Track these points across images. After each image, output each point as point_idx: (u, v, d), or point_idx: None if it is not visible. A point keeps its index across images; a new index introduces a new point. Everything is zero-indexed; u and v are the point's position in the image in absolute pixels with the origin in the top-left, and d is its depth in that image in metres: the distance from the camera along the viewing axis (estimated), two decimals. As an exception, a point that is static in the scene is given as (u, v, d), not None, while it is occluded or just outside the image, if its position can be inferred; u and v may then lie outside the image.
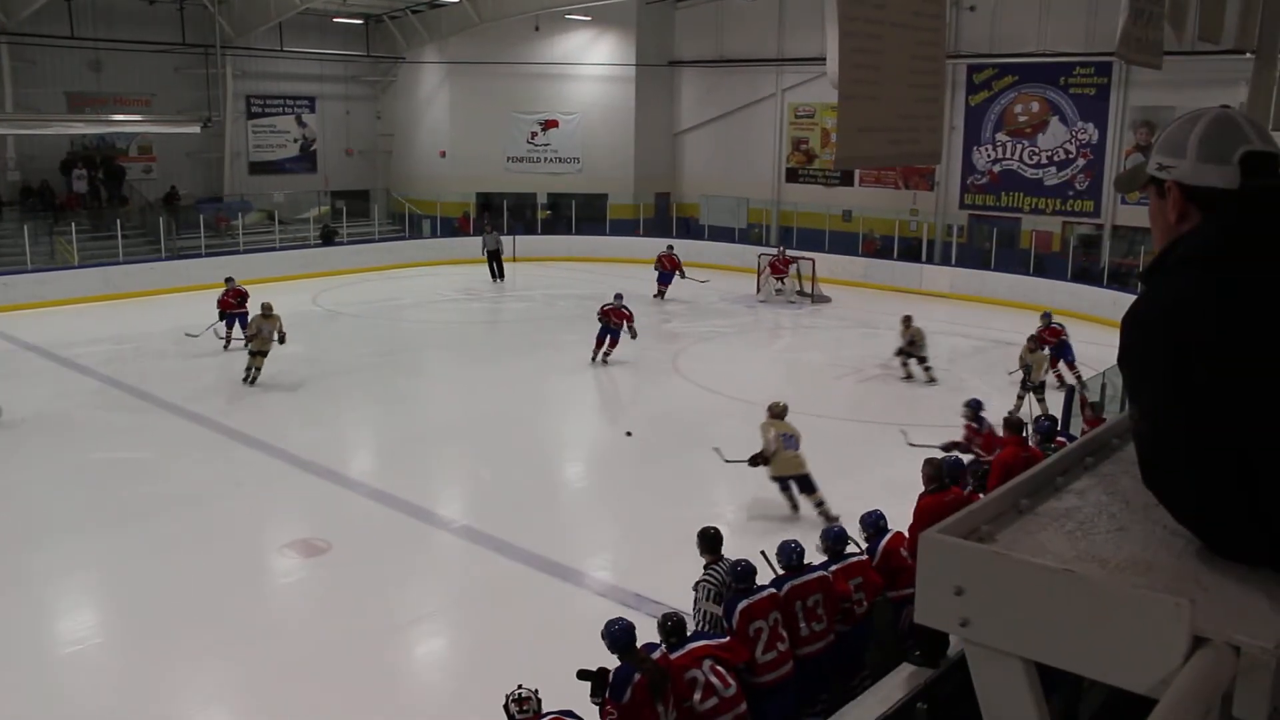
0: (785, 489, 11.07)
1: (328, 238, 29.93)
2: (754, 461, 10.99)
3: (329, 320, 23.09)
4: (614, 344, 17.92)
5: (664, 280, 24.56)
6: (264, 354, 16.42)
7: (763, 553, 6.88)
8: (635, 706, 5.50)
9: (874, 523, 7.41)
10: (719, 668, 5.75)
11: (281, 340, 16.68)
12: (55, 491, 12.19)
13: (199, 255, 26.86)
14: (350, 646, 8.63)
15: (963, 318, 23.19)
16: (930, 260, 27.33)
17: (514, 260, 29.46)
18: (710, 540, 7.14)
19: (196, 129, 27.25)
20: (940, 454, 10.45)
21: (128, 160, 28.64)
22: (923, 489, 7.63)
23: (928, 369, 17.32)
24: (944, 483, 7.50)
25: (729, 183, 31.65)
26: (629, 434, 14.23)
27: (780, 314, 23.72)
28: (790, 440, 10.95)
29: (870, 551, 7.22)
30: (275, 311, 16.89)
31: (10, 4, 24.55)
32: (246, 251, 27.80)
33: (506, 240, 29.26)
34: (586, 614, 9.16)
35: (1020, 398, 14.37)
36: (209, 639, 8.78)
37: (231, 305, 18.91)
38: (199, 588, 9.73)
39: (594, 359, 17.80)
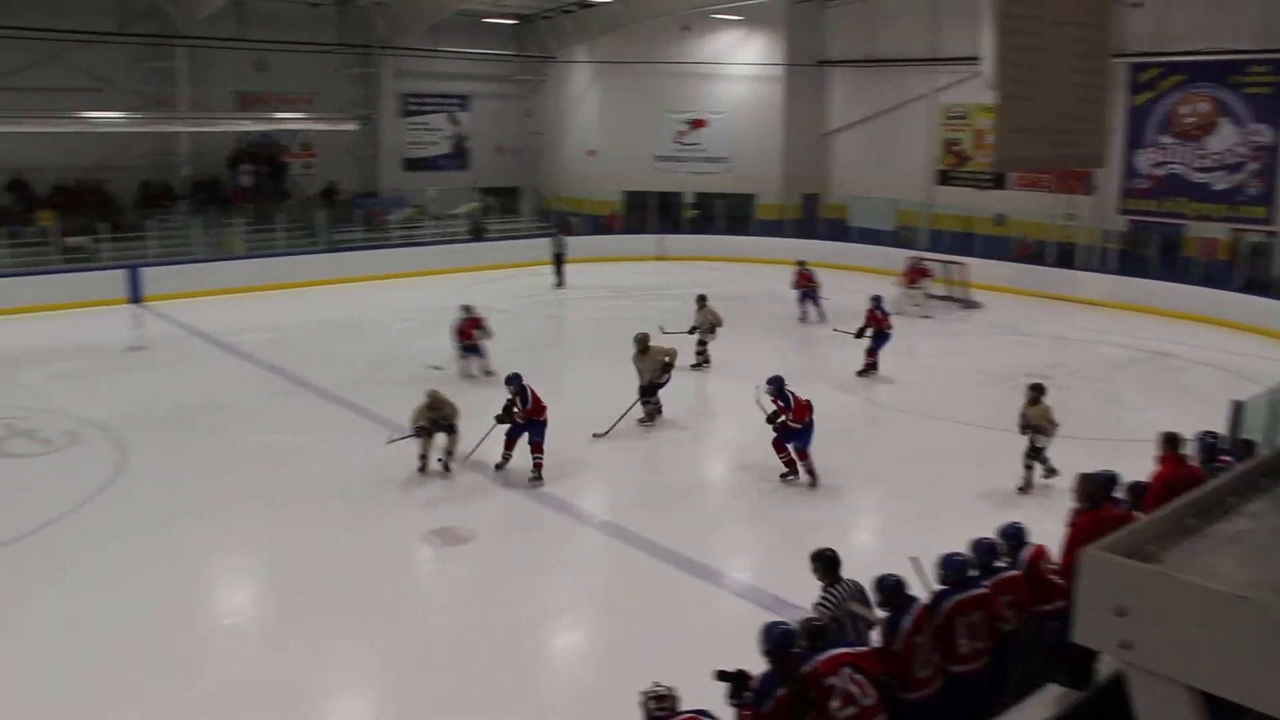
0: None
1: (477, 233, 30.56)
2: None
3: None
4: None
5: (807, 300, 22.46)
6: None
7: (914, 560, 6.58)
8: (774, 718, 5.44)
9: (1016, 534, 7.14)
10: (858, 676, 5.64)
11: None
12: (216, 471, 12.76)
13: (354, 248, 27.82)
14: (489, 636, 8.79)
15: (1119, 327, 22.36)
16: (1086, 267, 26.40)
17: (662, 259, 29.67)
18: (828, 563, 6.94)
19: (354, 126, 28.17)
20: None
21: (290, 156, 29.77)
22: (1074, 505, 7.32)
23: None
24: (1098, 500, 7.17)
25: (878, 184, 31.14)
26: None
27: (928, 319, 23.17)
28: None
29: (1015, 565, 6.96)
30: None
31: (187, 9, 25.77)
32: (399, 245, 28.65)
33: (654, 240, 29.43)
34: (724, 615, 9.19)
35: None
36: (353, 621, 9.06)
37: (470, 336, 17.22)
38: (346, 570, 10.05)
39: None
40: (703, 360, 18.17)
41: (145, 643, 8.66)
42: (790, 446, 12.27)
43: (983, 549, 6.78)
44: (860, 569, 7.39)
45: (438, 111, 32.75)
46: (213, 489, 12.17)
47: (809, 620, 6.05)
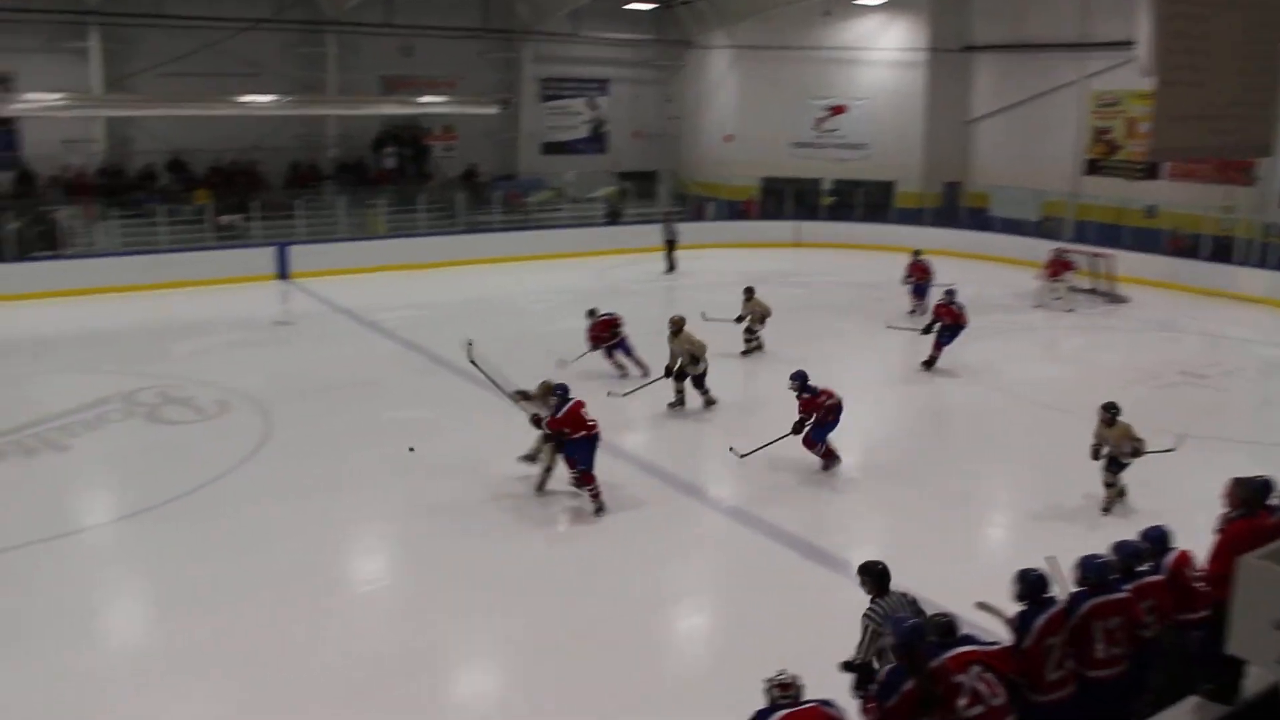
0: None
1: (614, 217, 30.75)
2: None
3: (613, 295, 23.73)
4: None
5: (919, 293, 21.06)
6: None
7: (1050, 560, 6.37)
8: (899, 714, 5.35)
9: (1160, 538, 6.85)
10: (987, 675, 5.50)
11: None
12: (354, 445, 13.15)
13: (493, 230, 28.31)
14: (614, 616, 8.86)
15: (1279, 326, 21.35)
16: (1245, 262, 25.19)
17: (799, 246, 29.44)
18: (878, 576, 6.74)
19: (495, 110, 28.57)
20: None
21: (432, 139, 30.41)
22: (1225, 511, 6.95)
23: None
24: (1254, 506, 6.78)
25: (1022, 173, 30.22)
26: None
27: (1072, 313, 22.43)
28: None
29: (1158, 570, 6.69)
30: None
31: (336, -5, 26.64)
32: (536, 228, 29.03)
33: (790, 226, 29.15)
34: (850, 605, 9.04)
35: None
36: (482, 596, 9.23)
37: (604, 337, 16.50)
38: (474, 545, 10.26)
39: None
40: (753, 346, 18.16)
41: (286, 604, 8.99)
42: (816, 439, 12.28)
43: (1125, 551, 6.53)
44: (990, 566, 7.24)
45: (577, 96, 33.03)
46: (351, 461, 12.55)
47: (938, 615, 5.93)
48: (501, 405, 14.12)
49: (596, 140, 33.58)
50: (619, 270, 26.26)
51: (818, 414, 12.14)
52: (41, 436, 13.23)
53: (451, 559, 10.01)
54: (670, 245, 26.87)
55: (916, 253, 21.95)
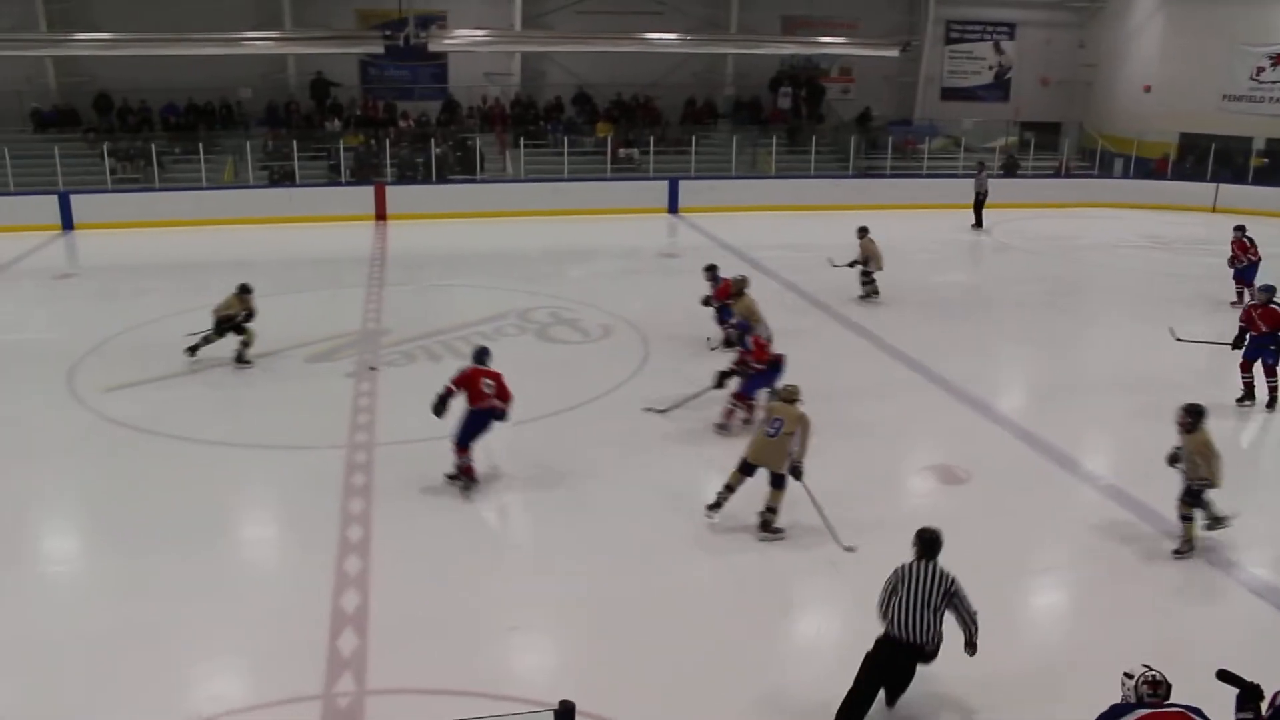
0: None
1: (1010, 169, 29.24)
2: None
3: (1000, 252, 22.71)
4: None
5: (1245, 275, 16.97)
6: None
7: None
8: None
9: None
10: None
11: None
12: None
13: (884, 175, 27.74)
14: (975, 581, 8.44)
15: None
16: None
17: (1216, 210, 26.69)
18: (926, 544, 6.39)
19: (895, 53, 27.79)
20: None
21: (829, 81, 30.18)
22: None
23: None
24: None
25: None
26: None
27: None
28: (776, 424, 8.93)
29: None
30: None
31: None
32: (929, 176, 28.14)
33: (1209, 188, 26.46)
34: (1237, 612, 8.13)
35: None
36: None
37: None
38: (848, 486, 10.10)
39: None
40: (870, 292, 17.13)
41: (647, 522, 9.26)
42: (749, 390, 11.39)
43: None
44: None
45: (983, 39, 31.57)
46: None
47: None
48: (875, 354, 13.88)
49: (999, 87, 32.00)
50: (1011, 225, 25.00)
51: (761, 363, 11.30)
52: (447, 344, 14.38)
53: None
54: (980, 199, 24.81)
55: (1240, 228, 17.70)
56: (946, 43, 31.11)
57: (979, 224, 24.82)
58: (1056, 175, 29.66)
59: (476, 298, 17.44)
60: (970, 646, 6.38)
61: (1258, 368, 12.38)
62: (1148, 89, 30.23)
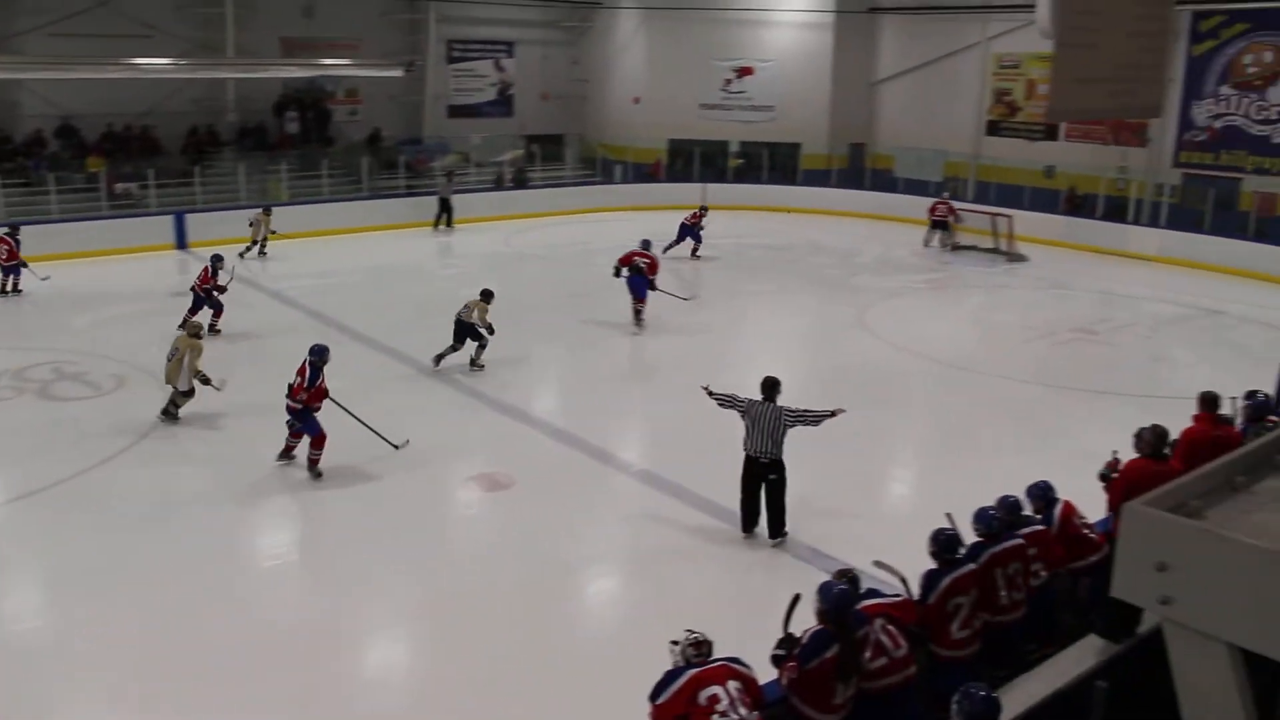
0: None
1: (520, 181, 30.49)
2: None
3: (518, 261, 23.56)
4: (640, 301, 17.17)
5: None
6: None
7: (948, 517, 6.53)
8: (816, 678, 5.35)
9: (1043, 493, 7.12)
10: (890, 627, 5.62)
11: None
12: (261, 416, 12.79)
13: (398, 195, 27.85)
14: (525, 581, 8.85)
15: (1169, 283, 22.01)
16: (1137, 221, 25.93)
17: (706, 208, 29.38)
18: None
19: (400, 73, 28.00)
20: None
21: (335, 103, 29.80)
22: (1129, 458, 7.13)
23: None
24: (1163, 452, 6.96)
25: (926, 135, 30.63)
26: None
27: (972, 272, 22.91)
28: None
29: (1047, 522, 6.93)
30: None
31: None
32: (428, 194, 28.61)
33: (698, 188, 29.13)
34: (759, 566, 9.21)
35: None
36: (396, 564, 9.16)
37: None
38: (387, 514, 10.16)
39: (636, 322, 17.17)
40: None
41: (190, 583, 8.81)
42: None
43: (1006, 505, 6.71)
44: (897, 521, 7.37)
45: (483, 58, 32.60)
46: (258, 432, 12.23)
47: (841, 571, 6.04)
48: (410, 375, 14.04)
49: (504, 103, 33.22)
50: (525, 235, 26.10)
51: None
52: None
53: (357, 527, 9.90)
54: (444, 205, 26.66)
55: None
56: (449, 61, 31.79)
57: (449, 224, 26.55)
58: (561, 184, 31.32)
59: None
60: (829, 415, 9.49)
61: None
62: (637, 100, 32.79)
